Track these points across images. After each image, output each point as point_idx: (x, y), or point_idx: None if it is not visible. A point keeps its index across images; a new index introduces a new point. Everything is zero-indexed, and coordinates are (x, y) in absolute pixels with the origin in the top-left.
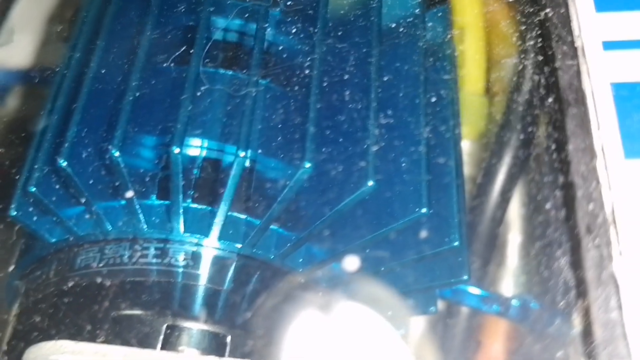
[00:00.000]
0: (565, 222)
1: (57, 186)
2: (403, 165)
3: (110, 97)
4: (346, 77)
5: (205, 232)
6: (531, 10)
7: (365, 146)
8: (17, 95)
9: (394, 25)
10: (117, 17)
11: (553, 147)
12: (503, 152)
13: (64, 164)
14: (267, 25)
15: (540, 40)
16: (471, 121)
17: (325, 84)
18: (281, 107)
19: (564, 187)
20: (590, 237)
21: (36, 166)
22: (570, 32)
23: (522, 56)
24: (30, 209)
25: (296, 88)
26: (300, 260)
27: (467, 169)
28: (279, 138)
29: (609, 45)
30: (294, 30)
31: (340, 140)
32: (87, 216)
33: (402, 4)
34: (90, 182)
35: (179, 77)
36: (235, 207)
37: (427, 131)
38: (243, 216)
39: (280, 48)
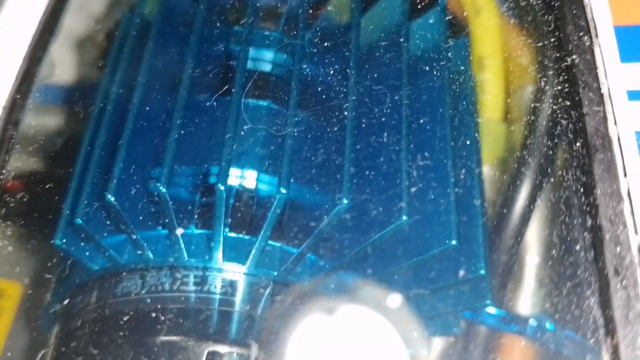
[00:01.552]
0: (594, 263)
1: (101, 216)
2: (432, 197)
3: (154, 133)
4: (378, 113)
5: (243, 261)
6: (558, 55)
7: (398, 181)
8: (56, 115)
9: (420, 57)
10: (156, 52)
11: (581, 190)
12: (522, 177)
13: (112, 199)
14: (303, 62)
15: (567, 85)
16: (490, 147)
17: (358, 119)
18: (317, 140)
19: (592, 229)
20: (618, 278)
21: (83, 199)
22: (596, 79)
23: (541, 92)
24: (73, 238)
25: (331, 122)
26: (332, 286)
27: (486, 194)
28: (315, 171)
29: (633, 95)
30: (327, 65)
31: (374, 175)
32: (129, 245)
33: (428, 37)
34: (135, 213)
35: (219, 109)
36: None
37: (454, 164)
38: (278, 244)
39: (315, 81)
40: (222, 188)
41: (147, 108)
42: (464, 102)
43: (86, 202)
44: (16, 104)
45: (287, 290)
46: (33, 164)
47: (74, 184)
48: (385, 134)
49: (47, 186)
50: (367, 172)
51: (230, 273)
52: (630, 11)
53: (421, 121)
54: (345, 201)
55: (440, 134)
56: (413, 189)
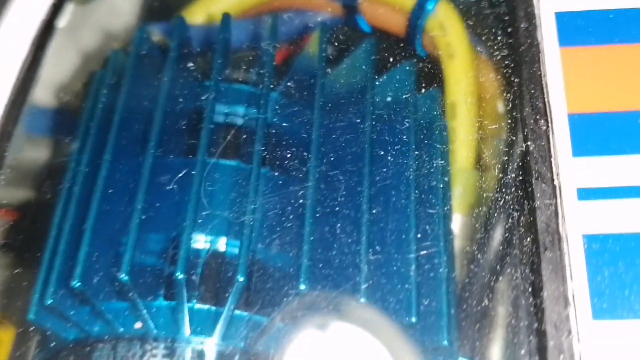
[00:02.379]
0: None
1: (71, 294)
2: (394, 271)
3: (117, 218)
4: (339, 178)
5: (210, 332)
6: (514, 139)
7: (357, 260)
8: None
9: (386, 108)
10: (121, 129)
11: (530, 290)
12: (494, 225)
13: (78, 284)
14: (267, 113)
15: (520, 173)
16: (462, 195)
17: (322, 172)
18: (282, 197)
19: (537, 333)
20: None
21: (51, 283)
22: (550, 169)
23: (495, 180)
24: (46, 313)
25: (298, 175)
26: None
27: (459, 242)
28: (279, 233)
29: (583, 194)
30: (294, 114)
31: (334, 249)
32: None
33: (395, 87)
34: (101, 293)
35: (185, 168)
36: (238, 305)
37: (418, 229)
38: (245, 314)
39: (281, 132)
40: (181, 277)
41: (115, 177)
42: (434, 157)
43: (54, 286)
44: None
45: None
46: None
47: (44, 266)
48: (348, 204)
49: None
50: (328, 241)
51: (197, 344)
52: (586, 97)
53: (385, 188)
54: (302, 287)
55: (404, 203)
56: (373, 263)
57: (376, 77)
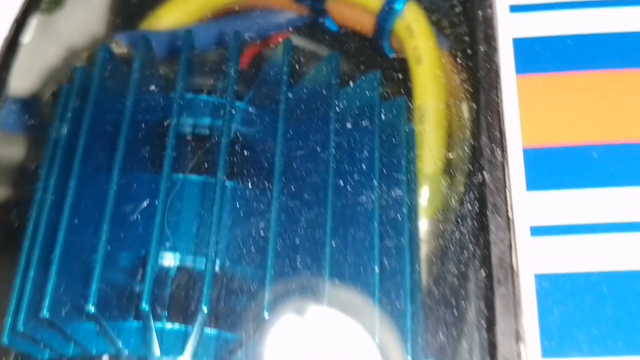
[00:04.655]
0: None
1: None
2: (358, 286)
3: (85, 245)
4: (302, 187)
5: (180, 351)
6: (471, 168)
7: (321, 274)
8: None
9: (352, 117)
10: (87, 152)
11: (484, 325)
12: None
13: (47, 315)
14: (231, 124)
15: (477, 204)
16: (430, 199)
17: (286, 181)
18: (248, 210)
19: None
20: None
21: (21, 311)
22: (505, 202)
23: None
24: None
25: (263, 187)
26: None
27: (428, 247)
28: (246, 244)
29: (536, 231)
30: (259, 123)
31: (298, 262)
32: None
33: (360, 96)
34: (70, 321)
35: (151, 184)
36: (208, 322)
37: (380, 241)
38: (214, 332)
39: (247, 142)
40: (147, 308)
41: (81, 203)
42: (401, 162)
43: (26, 311)
44: None
45: None
46: None
47: (15, 291)
48: (309, 216)
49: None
50: (292, 256)
51: None
52: (541, 129)
53: (349, 198)
54: (266, 316)
55: (367, 214)
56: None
57: (342, 86)
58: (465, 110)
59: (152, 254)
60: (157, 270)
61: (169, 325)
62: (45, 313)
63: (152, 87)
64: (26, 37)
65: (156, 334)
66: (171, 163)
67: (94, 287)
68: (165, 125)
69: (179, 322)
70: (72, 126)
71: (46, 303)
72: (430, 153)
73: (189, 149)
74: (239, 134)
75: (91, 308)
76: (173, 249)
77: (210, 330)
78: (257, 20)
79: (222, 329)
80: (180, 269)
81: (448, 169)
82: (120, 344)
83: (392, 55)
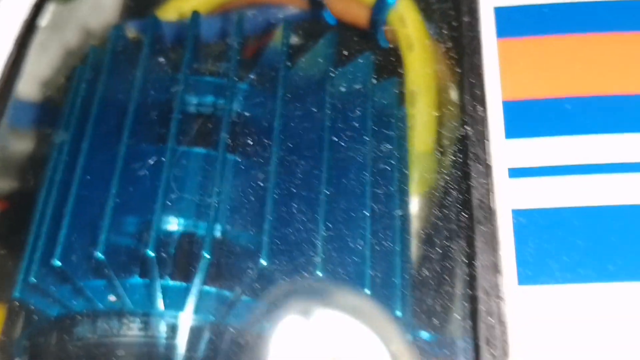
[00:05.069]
0: (471, 332)
1: (54, 273)
2: (350, 245)
3: (95, 203)
4: (298, 161)
5: (182, 307)
6: (455, 125)
7: (314, 235)
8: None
9: (346, 96)
10: (99, 120)
11: (465, 260)
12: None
13: (59, 264)
14: (233, 102)
15: (460, 156)
16: (422, 177)
17: (283, 157)
18: (246, 180)
19: (471, 300)
20: (489, 348)
21: (34, 263)
22: (485, 151)
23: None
24: (30, 291)
25: (261, 161)
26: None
27: (421, 223)
28: (245, 212)
29: (513, 173)
30: (259, 103)
31: (293, 224)
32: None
33: (355, 77)
34: (79, 271)
35: (156, 155)
36: (208, 281)
37: (373, 208)
38: (213, 289)
39: (248, 120)
40: (152, 254)
41: (93, 165)
42: (393, 140)
43: (38, 263)
44: None
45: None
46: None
47: (29, 245)
48: (307, 186)
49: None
50: (288, 221)
51: (170, 318)
52: (519, 85)
53: (342, 169)
54: (263, 262)
55: (360, 183)
56: (329, 239)
57: (337, 67)
58: (453, 93)
59: (157, 209)
60: (162, 234)
61: (172, 282)
62: (55, 261)
63: (160, 67)
64: (43, 21)
65: (160, 290)
66: (176, 135)
67: (102, 236)
68: (170, 102)
69: (182, 281)
70: (85, 97)
71: (58, 250)
72: (421, 133)
73: (194, 126)
74: (240, 113)
75: (100, 255)
76: (177, 214)
77: (210, 288)
78: (259, 15)
79: (221, 287)
80: (183, 233)
81: (438, 148)
82: (125, 295)
83: (386, 46)
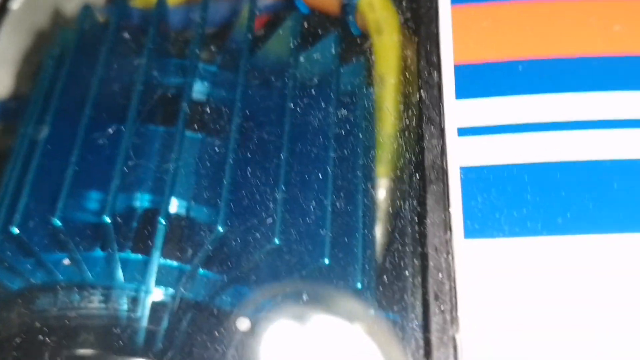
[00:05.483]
0: (420, 288)
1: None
2: (311, 217)
3: (55, 175)
4: (262, 130)
5: (142, 280)
6: (410, 90)
7: (273, 202)
8: None
9: (312, 77)
10: (64, 96)
11: (415, 219)
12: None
13: (16, 231)
14: (194, 79)
15: (414, 119)
16: (388, 159)
17: (243, 134)
18: (211, 157)
19: (421, 257)
20: (438, 303)
21: None
22: (439, 113)
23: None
24: None
25: (221, 137)
26: (229, 300)
27: (388, 206)
28: (208, 188)
29: (462, 132)
30: (226, 83)
31: (253, 196)
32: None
33: (321, 58)
34: (40, 241)
35: (119, 133)
36: (169, 254)
37: (335, 181)
38: (175, 263)
39: (215, 102)
40: (109, 220)
41: (55, 140)
42: (359, 122)
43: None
44: None
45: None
46: None
47: None
48: (266, 153)
49: None
50: (247, 190)
51: (131, 291)
52: (471, 48)
53: (304, 141)
54: (220, 229)
55: (321, 150)
56: (290, 209)
57: (303, 48)
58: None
59: (115, 178)
60: (124, 209)
61: (132, 255)
62: (14, 228)
63: (124, 48)
64: (15, 4)
65: (120, 263)
66: (135, 114)
67: (60, 203)
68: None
69: (142, 254)
70: (53, 74)
71: (16, 218)
72: (389, 115)
73: (161, 107)
74: (208, 94)
75: (56, 221)
76: (140, 190)
77: (171, 261)
78: (234, 5)
79: (182, 260)
80: (147, 210)
81: (404, 129)
82: (85, 267)
83: (358, 34)
